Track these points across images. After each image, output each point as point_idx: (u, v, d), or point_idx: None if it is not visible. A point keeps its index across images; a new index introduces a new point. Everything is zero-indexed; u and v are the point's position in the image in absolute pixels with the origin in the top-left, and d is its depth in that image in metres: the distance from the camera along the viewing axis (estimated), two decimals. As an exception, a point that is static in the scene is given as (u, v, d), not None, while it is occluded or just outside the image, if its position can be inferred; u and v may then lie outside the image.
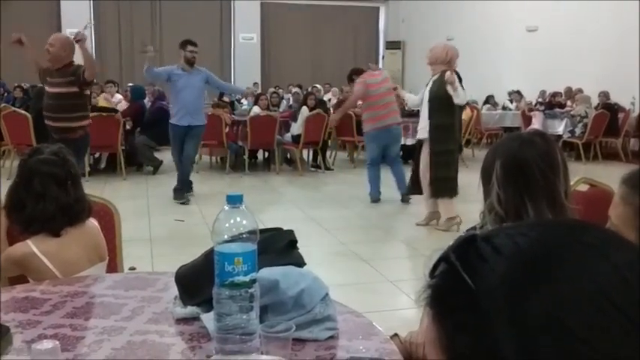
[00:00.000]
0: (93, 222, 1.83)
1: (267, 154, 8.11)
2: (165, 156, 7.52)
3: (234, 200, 1.08)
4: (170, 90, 5.67)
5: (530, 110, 9.61)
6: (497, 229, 0.45)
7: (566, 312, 0.37)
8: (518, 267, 0.40)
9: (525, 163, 1.32)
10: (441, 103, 4.44)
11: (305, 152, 8.03)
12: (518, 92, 10.72)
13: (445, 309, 0.42)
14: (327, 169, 7.83)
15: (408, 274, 3.82)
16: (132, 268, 2.70)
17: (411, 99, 5.12)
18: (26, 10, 12.39)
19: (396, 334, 1.44)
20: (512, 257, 0.40)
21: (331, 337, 1.17)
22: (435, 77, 4.52)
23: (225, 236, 1.06)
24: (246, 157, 7.54)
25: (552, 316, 0.37)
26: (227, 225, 1.07)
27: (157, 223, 4.85)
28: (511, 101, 10.76)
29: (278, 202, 5.94)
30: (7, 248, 1.73)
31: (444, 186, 4.58)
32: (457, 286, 0.40)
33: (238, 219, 1.07)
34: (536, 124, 8.81)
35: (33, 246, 1.65)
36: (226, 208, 1.08)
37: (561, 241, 0.41)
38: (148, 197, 5.88)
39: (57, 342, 0.99)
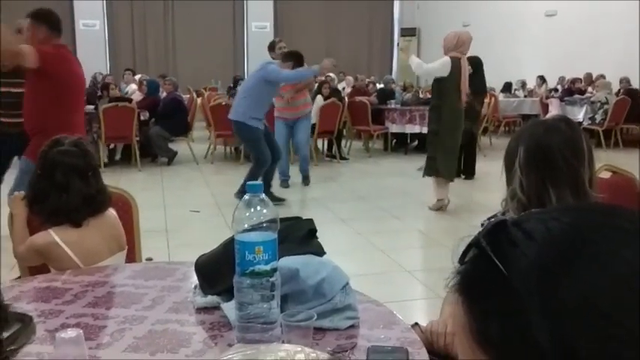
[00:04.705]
0: (112, 212, 1.84)
1: (281, 143, 8.12)
2: (180, 147, 7.56)
3: (255, 189, 1.07)
4: (266, 91, 4.97)
5: (547, 97, 9.46)
6: (528, 214, 0.44)
7: (600, 295, 0.37)
8: (550, 251, 0.39)
9: (549, 149, 1.29)
10: (433, 84, 4.77)
11: (320, 142, 8.02)
12: (542, 77, 10.55)
13: (476, 295, 0.41)
14: (343, 158, 7.81)
15: (424, 264, 3.80)
16: (149, 259, 2.71)
17: (418, 65, 4.71)
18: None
19: (416, 324, 1.43)
20: (544, 241, 0.40)
21: (352, 327, 1.17)
22: None
23: (246, 225, 1.05)
24: (260, 147, 7.55)
25: (585, 299, 0.37)
26: (247, 214, 1.06)
27: (172, 214, 4.88)
28: (523, 87, 10.59)
29: (293, 192, 5.93)
30: (28, 237, 1.74)
31: (427, 164, 4.84)
32: (488, 271, 0.40)
33: (259, 208, 1.06)
34: (553, 111, 8.67)
35: (55, 235, 1.67)
36: (246, 197, 1.07)
37: (593, 225, 0.41)
38: (163, 188, 5.92)
39: (80, 331, 0.99)
